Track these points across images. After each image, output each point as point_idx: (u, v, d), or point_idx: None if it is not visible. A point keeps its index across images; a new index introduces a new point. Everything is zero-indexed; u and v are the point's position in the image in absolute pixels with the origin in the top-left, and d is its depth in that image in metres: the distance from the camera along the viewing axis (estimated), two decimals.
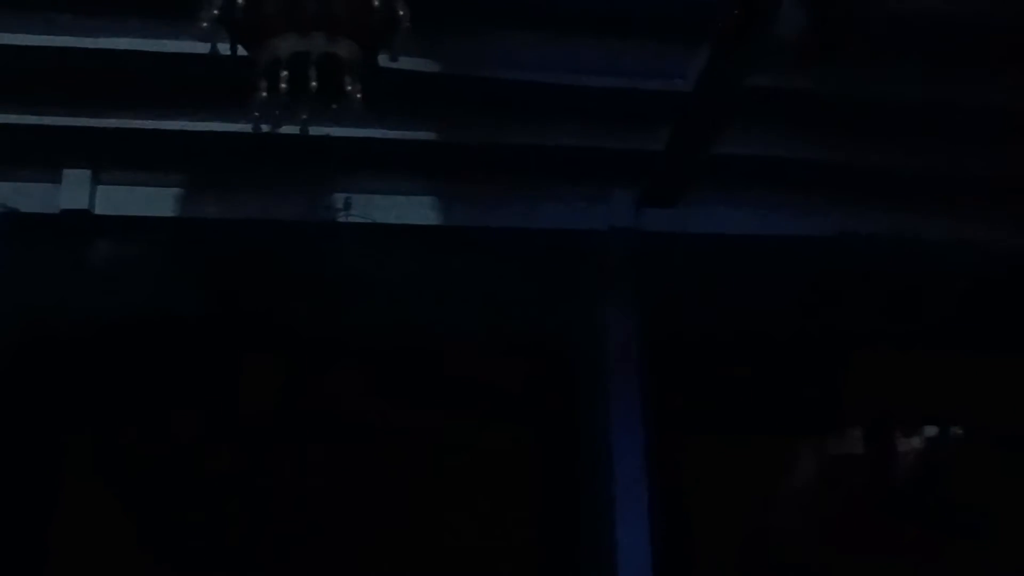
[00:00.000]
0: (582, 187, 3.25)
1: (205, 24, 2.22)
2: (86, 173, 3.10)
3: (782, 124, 3.02)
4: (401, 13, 2.25)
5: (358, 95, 2.21)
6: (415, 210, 3.20)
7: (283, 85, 2.06)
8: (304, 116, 2.22)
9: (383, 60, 2.32)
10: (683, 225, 3.32)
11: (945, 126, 3.03)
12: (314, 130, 2.65)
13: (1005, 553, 3.93)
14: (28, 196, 3.10)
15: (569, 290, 3.44)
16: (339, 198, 3.15)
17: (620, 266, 3.31)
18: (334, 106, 2.23)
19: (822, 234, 3.29)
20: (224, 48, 2.32)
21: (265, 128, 2.40)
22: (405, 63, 2.49)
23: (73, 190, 3.09)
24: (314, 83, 2.05)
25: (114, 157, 3.09)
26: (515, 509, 3.90)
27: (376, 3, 2.20)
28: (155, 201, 3.15)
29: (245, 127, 2.82)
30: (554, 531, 3.92)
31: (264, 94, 2.14)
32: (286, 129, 2.70)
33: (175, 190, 3.15)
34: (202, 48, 2.32)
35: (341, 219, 3.12)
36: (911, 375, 3.88)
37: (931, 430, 4.27)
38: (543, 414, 3.95)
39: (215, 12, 2.23)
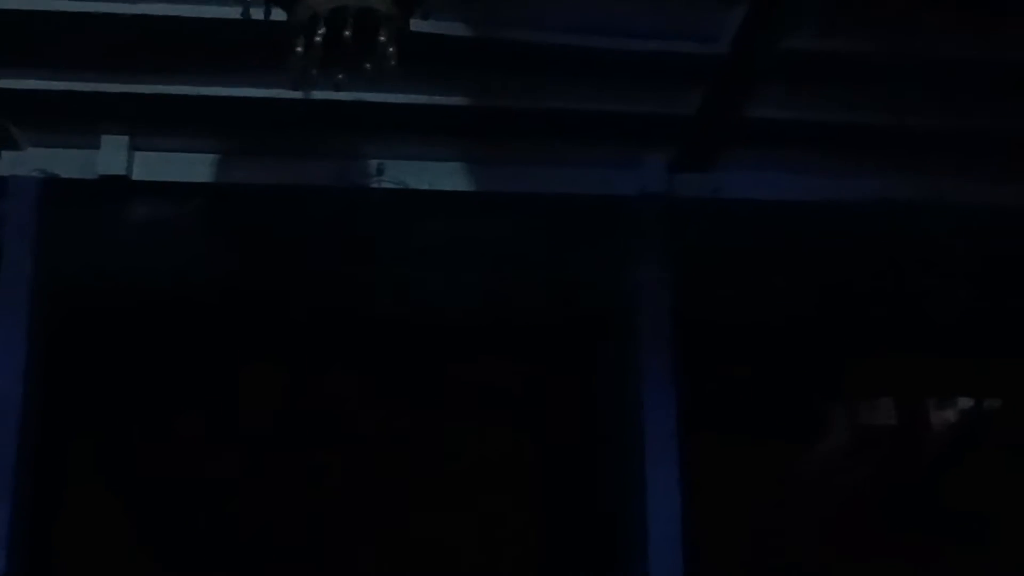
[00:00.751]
0: (614, 151, 3.24)
1: None
2: (124, 139, 3.14)
3: (818, 86, 2.99)
4: None
5: (393, 55, 2.22)
6: (447, 175, 3.21)
7: (318, 39, 2.07)
8: (340, 76, 2.24)
9: (414, 23, 2.33)
10: (717, 190, 3.30)
11: (989, 86, 2.97)
12: (347, 95, 2.68)
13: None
14: (67, 161, 3.15)
15: (600, 257, 3.44)
16: (372, 164, 3.17)
17: (652, 232, 3.30)
18: (369, 66, 2.24)
19: (859, 199, 3.27)
20: (258, 11, 2.34)
21: (301, 91, 2.41)
22: (436, 26, 2.49)
23: (111, 156, 3.13)
24: (349, 35, 2.05)
25: (151, 123, 3.13)
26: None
27: None
28: (191, 166, 3.19)
29: (280, 93, 2.86)
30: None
31: (300, 52, 2.16)
32: (320, 94, 2.73)
33: (211, 155, 3.19)
34: (238, 12, 2.34)
35: (374, 185, 3.14)
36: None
37: (965, 402, 4.26)
38: (570, 387, 3.97)
39: None
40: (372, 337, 3.82)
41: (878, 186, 3.27)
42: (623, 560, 3.25)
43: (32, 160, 3.13)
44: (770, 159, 3.29)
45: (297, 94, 2.87)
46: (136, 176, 3.14)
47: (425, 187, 3.19)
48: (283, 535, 4.07)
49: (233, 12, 2.43)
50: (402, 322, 3.74)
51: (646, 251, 3.29)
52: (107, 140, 3.13)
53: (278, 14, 2.28)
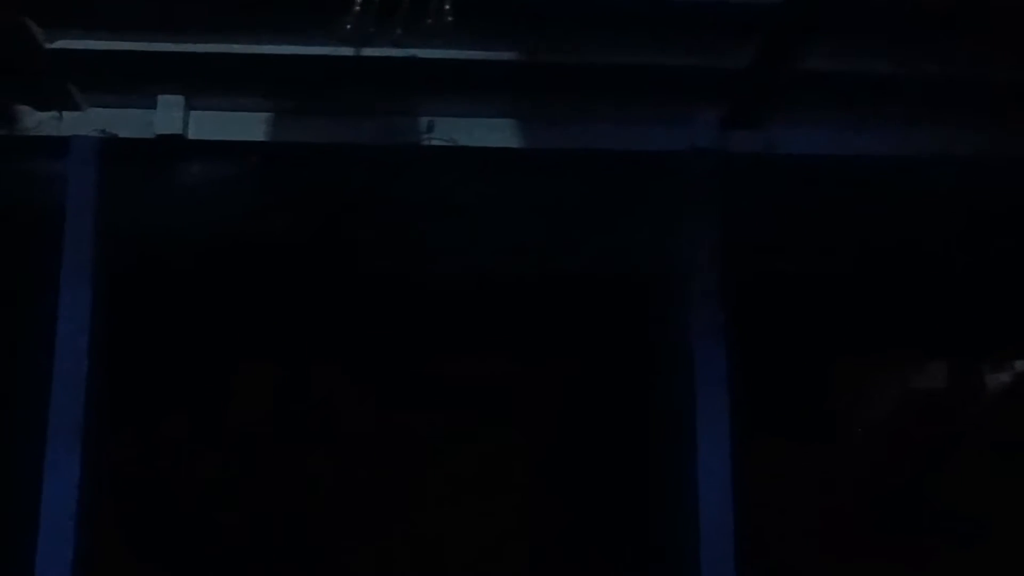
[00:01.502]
0: (664, 107, 3.23)
1: None
2: (179, 99, 3.19)
3: (875, 37, 2.93)
4: None
5: (449, 10, 2.22)
6: (497, 132, 3.22)
7: None
8: (399, 31, 2.25)
9: None
10: (770, 146, 3.27)
11: None
12: (398, 52, 2.69)
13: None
14: (126, 121, 3.20)
15: (650, 215, 3.43)
16: (422, 121, 3.19)
17: (703, 189, 3.29)
18: (429, 21, 2.24)
19: (919, 154, 3.21)
20: None
21: (356, 48, 2.43)
22: None
23: (167, 115, 3.18)
24: None
25: (206, 82, 3.18)
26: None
27: None
28: (245, 125, 3.23)
29: (333, 50, 2.89)
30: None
31: (359, 8, 2.17)
32: (371, 51, 2.75)
33: (265, 114, 3.23)
34: None
35: (424, 142, 3.17)
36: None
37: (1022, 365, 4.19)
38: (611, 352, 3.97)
39: None
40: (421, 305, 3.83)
41: (940, 140, 3.21)
42: (666, 520, 3.26)
43: (92, 120, 3.20)
44: (825, 113, 3.24)
45: (349, 51, 2.91)
46: (192, 135, 3.19)
47: (475, 144, 3.21)
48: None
49: None
50: (453, 282, 3.77)
51: (697, 209, 3.27)
52: (163, 100, 3.18)
53: None
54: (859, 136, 3.24)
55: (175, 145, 3.21)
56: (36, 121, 3.17)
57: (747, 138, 3.26)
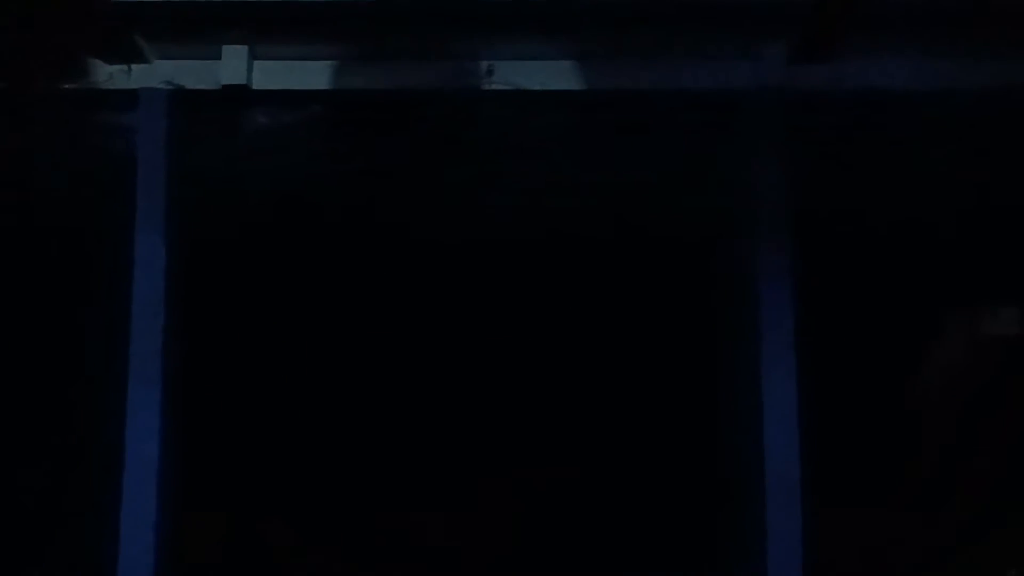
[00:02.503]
0: (729, 43, 3.15)
1: None
2: (243, 49, 3.23)
3: None
4: None
5: None
6: (558, 75, 3.18)
7: None
8: None
9: None
10: (839, 81, 3.17)
11: None
12: None
13: None
14: (191, 73, 3.26)
15: (716, 155, 3.37)
16: (482, 65, 3.17)
17: (770, 127, 3.21)
18: None
19: (1006, 88, 3.08)
20: None
21: None
22: None
23: (231, 66, 3.22)
24: None
25: (269, 31, 3.21)
26: None
27: None
28: (308, 74, 3.26)
29: None
30: None
31: None
32: None
33: (327, 63, 3.25)
34: None
35: (484, 87, 3.15)
36: None
37: None
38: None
39: None
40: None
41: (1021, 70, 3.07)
42: (733, 472, 3.24)
43: (159, 73, 3.26)
44: (900, 45, 3.13)
45: None
46: (256, 85, 3.23)
47: (536, 87, 3.18)
48: None
49: None
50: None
51: (762, 148, 3.20)
52: (228, 50, 3.22)
53: None
54: (937, 69, 3.11)
55: (240, 95, 3.25)
56: (107, 74, 3.24)
57: (815, 73, 3.16)
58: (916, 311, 3.86)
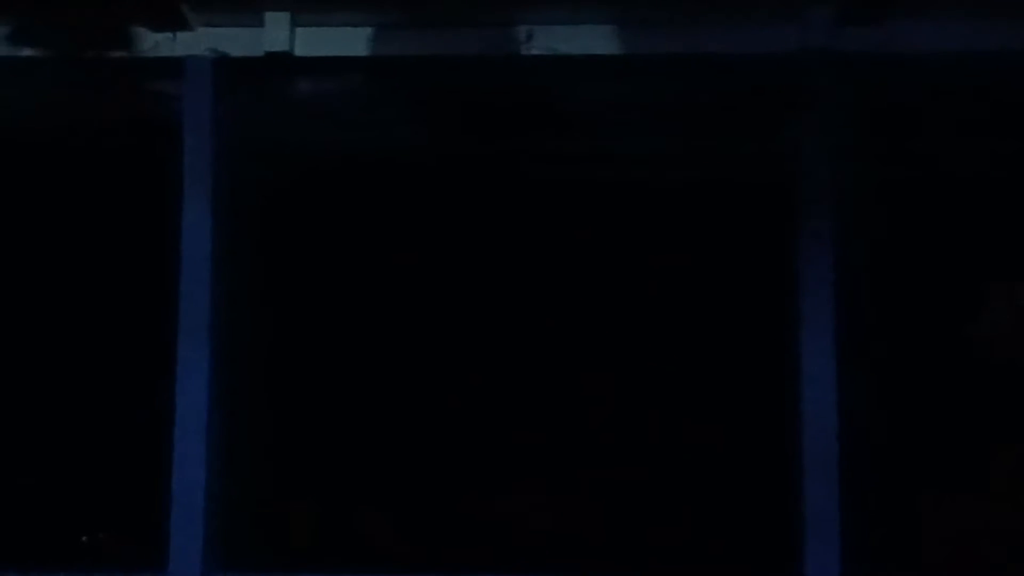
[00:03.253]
0: (775, 5, 3.09)
1: None
2: (286, 15, 3.25)
3: None
4: None
5: None
6: (598, 39, 3.15)
7: None
8: None
9: None
10: (887, 43, 3.10)
11: None
12: None
13: None
14: (235, 40, 3.28)
15: (761, 121, 3.32)
16: (521, 30, 3.15)
17: (816, 92, 3.15)
18: None
19: None
20: None
21: None
22: None
23: (274, 33, 3.24)
24: None
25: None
26: None
27: None
28: (350, 41, 3.27)
29: None
30: None
31: None
32: None
33: (368, 29, 3.25)
34: None
35: (523, 52, 3.13)
36: None
37: None
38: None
39: None
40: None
41: None
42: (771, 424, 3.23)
43: (204, 40, 3.29)
44: (948, 7, 3.04)
45: None
46: (299, 52, 3.25)
47: (576, 52, 3.15)
48: None
49: None
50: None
51: (808, 112, 3.14)
52: (270, 17, 3.24)
53: None
54: (986, 31, 3.02)
55: (283, 62, 3.27)
56: (153, 42, 3.28)
57: (863, 35, 3.09)
58: (966, 276, 3.79)
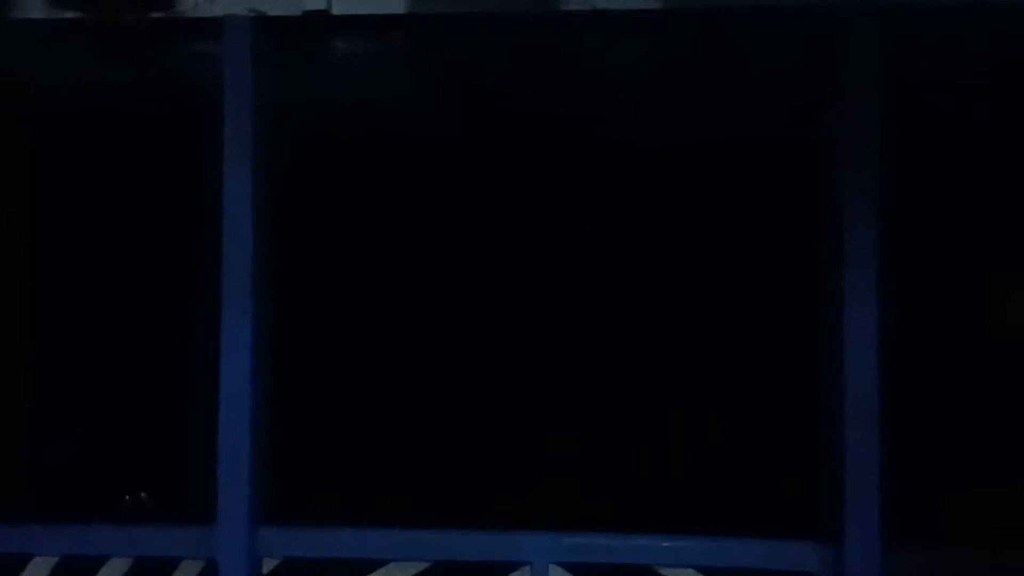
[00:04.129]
0: None
1: None
2: None
3: None
4: None
5: None
6: None
7: None
8: None
9: None
10: None
11: None
12: None
13: None
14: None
15: (803, 76, 3.27)
16: None
17: (860, 44, 3.09)
18: None
19: None
20: None
21: None
22: None
23: None
24: None
25: None
26: None
27: None
28: None
29: None
30: None
31: None
32: None
33: None
34: None
35: (562, 7, 3.10)
36: None
37: None
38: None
39: None
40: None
41: None
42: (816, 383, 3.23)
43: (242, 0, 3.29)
44: None
45: None
46: (335, 11, 3.25)
47: (615, 7, 3.12)
48: None
49: None
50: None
51: (850, 64, 3.09)
52: None
53: None
54: None
55: (321, 20, 3.27)
56: (192, 3, 3.28)
57: None
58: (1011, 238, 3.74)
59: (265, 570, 3.07)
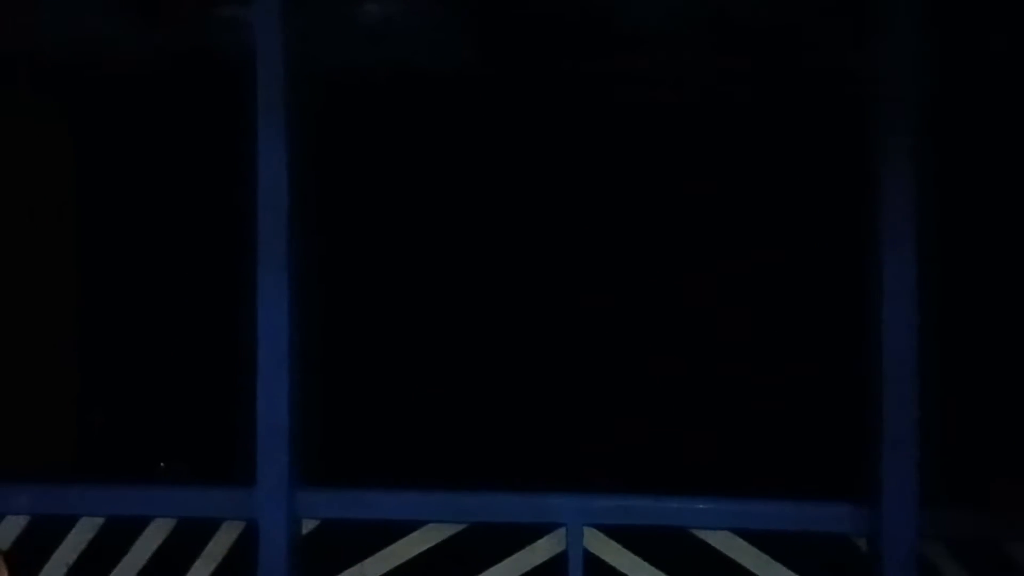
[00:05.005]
0: None
1: None
2: None
3: None
4: None
5: None
6: None
7: None
8: None
9: None
10: None
11: None
12: None
13: None
14: None
15: (843, 25, 3.18)
16: None
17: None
18: None
19: None
20: None
21: None
22: None
23: None
24: None
25: None
26: None
27: None
28: None
29: None
30: None
31: None
32: None
33: None
34: None
35: None
36: None
37: None
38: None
39: None
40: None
41: None
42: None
43: None
44: None
45: None
46: None
47: None
48: None
49: None
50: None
51: (893, 12, 3.01)
52: None
53: None
54: None
55: None
56: None
57: None
58: None
59: (304, 531, 3.11)
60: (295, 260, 3.26)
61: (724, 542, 2.99)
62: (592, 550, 3.01)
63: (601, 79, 3.58)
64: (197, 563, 3.12)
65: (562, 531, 3.04)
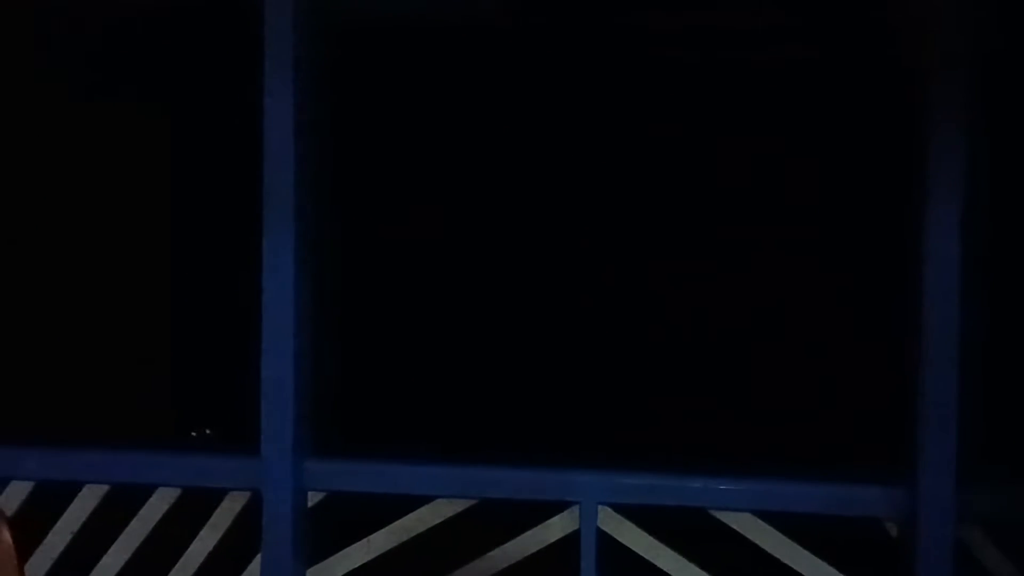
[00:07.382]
0: None
1: None
2: None
3: None
4: None
5: None
6: None
7: None
8: None
9: None
10: None
11: None
12: None
13: None
14: None
15: None
16: None
17: None
18: None
19: None
20: None
21: None
22: None
23: None
24: None
25: None
26: None
27: None
28: None
29: None
30: None
31: None
32: None
33: None
34: None
35: None
36: None
37: None
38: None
39: None
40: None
41: None
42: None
43: None
44: None
45: None
46: None
47: None
48: None
49: None
50: None
51: None
52: None
53: None
54: None
55: None
56: None
57: None
58: None
59: (310, 503, 3.02)
60: (303, 220, 3.13)
61: (747, 525, 2.85)
62: (607, 529, 2.88)
63: (635, 34, 3.37)
64: (202, 532, 3.04)
65: (576, 509, 2.91)
